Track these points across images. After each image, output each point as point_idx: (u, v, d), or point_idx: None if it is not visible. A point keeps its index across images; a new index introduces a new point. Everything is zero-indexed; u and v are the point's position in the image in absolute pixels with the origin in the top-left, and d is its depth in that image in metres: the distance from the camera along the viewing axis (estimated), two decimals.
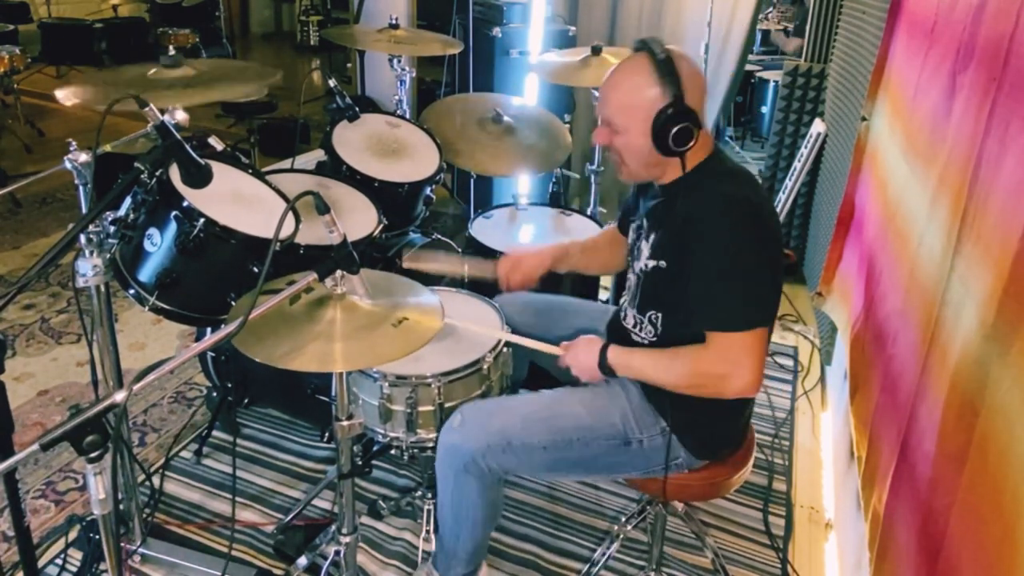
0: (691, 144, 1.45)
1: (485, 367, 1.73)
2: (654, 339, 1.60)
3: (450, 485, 1.61)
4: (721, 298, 1.43)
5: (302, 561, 1.92)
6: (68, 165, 1.48)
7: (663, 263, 1.54)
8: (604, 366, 1.57)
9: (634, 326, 1.65)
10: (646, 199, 1.67)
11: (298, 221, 1.65)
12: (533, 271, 1.88)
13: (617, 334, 1.71)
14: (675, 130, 1.43)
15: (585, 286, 2.35)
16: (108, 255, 1.53)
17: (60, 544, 2.02)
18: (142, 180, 1.39)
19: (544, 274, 1.89)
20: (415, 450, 1.76)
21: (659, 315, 1.58)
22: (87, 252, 1.49)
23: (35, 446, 0.99)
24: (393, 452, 1.81)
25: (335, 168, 2.30)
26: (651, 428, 1.58)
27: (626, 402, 1.61)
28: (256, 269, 1.65)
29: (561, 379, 2.04)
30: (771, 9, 6.20)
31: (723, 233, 1.43)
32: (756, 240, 1.45)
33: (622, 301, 1.74)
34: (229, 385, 2.28)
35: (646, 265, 1.59)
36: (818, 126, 3.39)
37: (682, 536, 2.14)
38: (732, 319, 1.41)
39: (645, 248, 1.60)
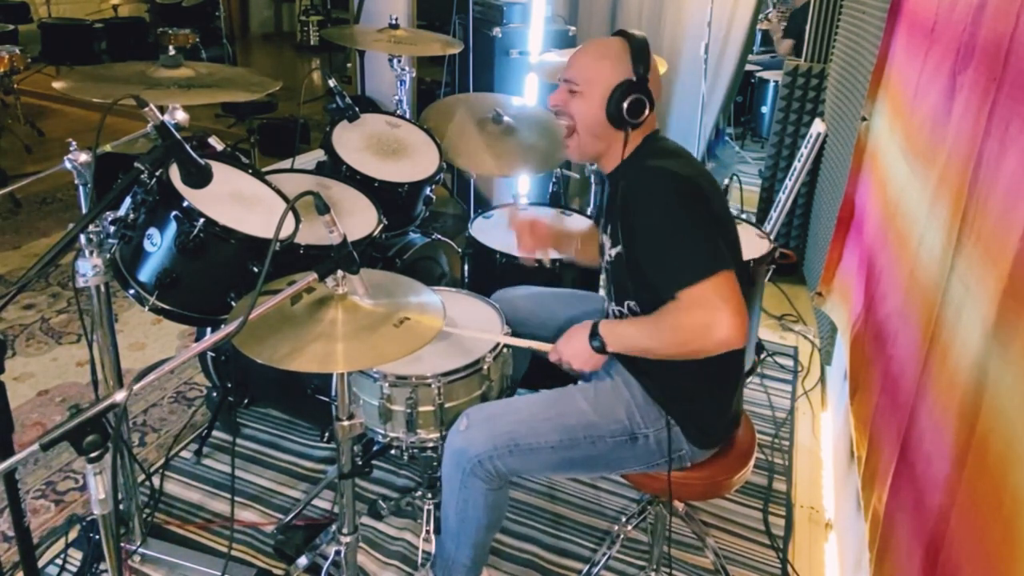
0: (640, 119, 1.53)
1: (485, 367, 1.73)
2: None
3: (456, 489, 1.60)
4: (674, 258, 1.44)
5: (302, 561, 1.92)
6: (68, 165, 1.48)
7: (621, 248, 1.58)
8: (596, 345, 1.54)
9: (617, 319, 1.67)
10: (602, 194, 1.72)
11: (298, 221, 1.65)
12: (545, 240, 1.95)
13: None
14: (632, 99, 1.51)
15: (585, 284, 2.35)
16: (108, 255, 1.53)
17: (60, 544, 2.02)
18: (142, 180, 1.38)
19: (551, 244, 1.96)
20: (415, 450, 1.76)
21: (635, 302, 1.60)
22: (87, 252, 1.49)
23: (35, 446, 0.99)
24: (393, 452, 1.81)
25: (335, 168, 2.30)
26: (656, 422, 1.59)
27: (629, 397, 1.61)
28: (256, 269, 1.65)
29: (564, 373, 2.05)
30: (771, 9, 6.20)
31: (653, 201, 1.47)
32: (684, 197, 1.47)
33: (603, 298, 1.76)
34: (229, 385, 2.28)
35: (610, 255, 1.63)
36: (818, 126, 3.39)
37: (682, 536, 2.14)
38: (692, 271, 1.39)
39: (606, 240, 1.65)
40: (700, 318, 1.39)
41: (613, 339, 1.54)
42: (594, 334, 1.55)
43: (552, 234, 1.96)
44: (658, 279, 1.47)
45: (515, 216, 1.96)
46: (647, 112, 1.53)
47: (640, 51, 1.53)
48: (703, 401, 1.61)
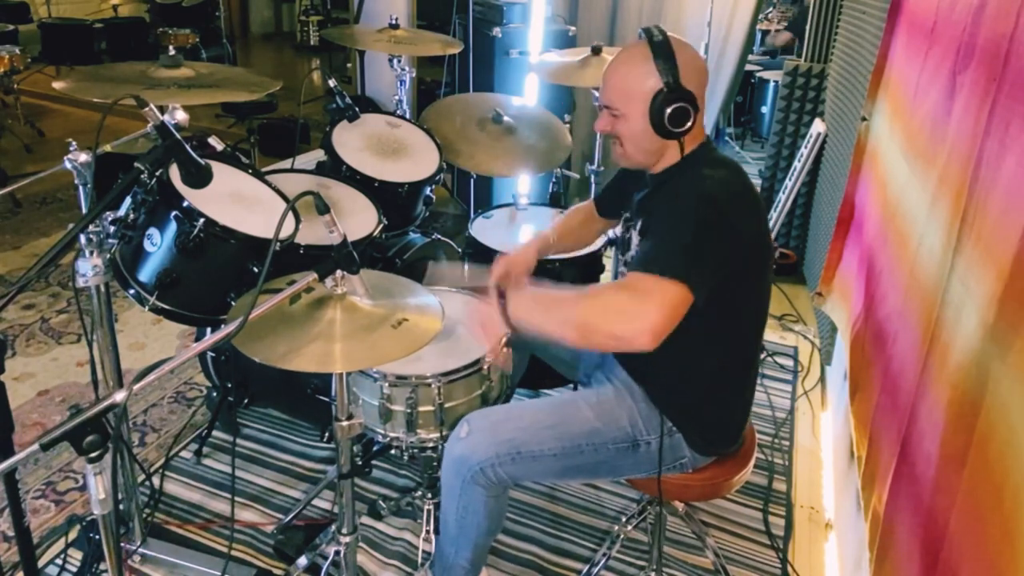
0: (689, 125, 1.46)
1: (485, 367, 1.73)
2: None
3: (456, 495, 1.59)
4: (651, 248, 1.43)
5: (302, 561, 1.92)
6: (68, 165, 1.48)
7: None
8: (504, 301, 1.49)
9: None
10: (637, 192, 1.68)
11: (298, 221, 1.66)
12: (522, 276, 1.83)
13: None
14: (671, 110, 1.44)
15: (585, 281, 2.35)
16: (108, 255, 1.53)
17: (60, 544, 2.02)
18: (142, 180, 1.38)
19: (532, 269, 1.86)
20: (415, 450, 1.76)
21: None
22: (87, 252, 1.49)
23: (35, 446, 0.99)
24: (393, 452, 1.81)
25: (335, 168, 2.30)
26: (658, 429, 1.58)
27: (632, 403, 1.61)
28: (256, 269, 1.65)
29: (563, 375, 2.04)
30: (771, 9, 6.20)
31: (684, 204, 1.44)
32: (708, 212, 1.41)
33: None
34: (229, 385, 2.28)
35: (636, 250, 1.60)
36: (818, 126, 3.39)
37: (682, 536, 2.14)
38: (652, 262, 1.36)
39: (635, 236, 1.62)
40: (625, 301, 1.34)
41: (518, 303, 1.47)
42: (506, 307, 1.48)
43: (527, 263, 1.83)
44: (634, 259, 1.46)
45: (494, 270, 1.77)
46: (693, 116, 1.46)
47: (661, 50, 1.45)
48: (709, 410, 1.60)
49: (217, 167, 1.49)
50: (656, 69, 1.45)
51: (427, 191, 2.45)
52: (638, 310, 1.31)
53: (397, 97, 2.80)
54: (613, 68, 1.54)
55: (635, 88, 1.48)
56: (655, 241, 1.44)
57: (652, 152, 1.55)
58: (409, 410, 1.68)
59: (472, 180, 3.78)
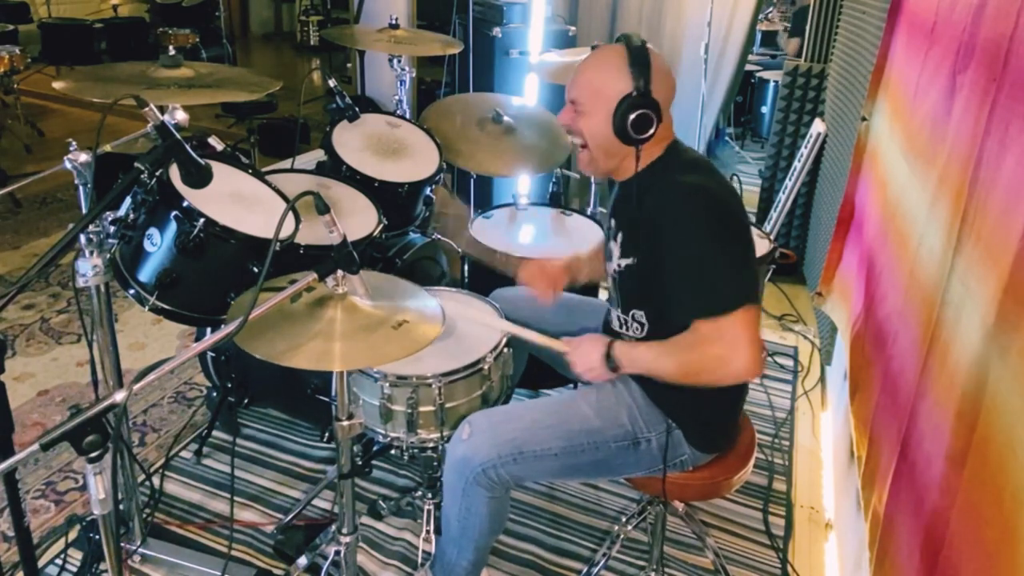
0: (648, 134, 1.47)
1: (486, 367, 1.73)
2: (643, 336, 1.61)
3: (458, 497, 1.59)
4: (701, 286, 1.43)
5: (302, 561, 1.92)
6: (68, 165, 1.48)
7: (634, 260, 1.56)
8: (610, 362, 1.55)
9: (621, 326, 1.66)
10: (609, 199, 1.69)
11: (298, 221, 1.65)
12: (558, 279, 1.88)
13: (608, 335, 1.71)
14: (635, 116, 1.45)
15: (585, 287, 2.34)
16: (108, 255, 1.53)
17: (60, 544, 2.02)
18: (142, 180, 1.38)
19: (565, 284, 1.89)
20: (415, 450, 1.76)
21: (642, 312, 1.59)
22: (87, 252, 1.49)
23: (35, 446, 0.99)
24: (393, 452, 1.81)
25: (335, 168, 2.30)
26: (658, 426, 1.59)
27: (631, 401, 1.61)
28: (256, 269, 1.65)
29: (562, 374, 2.04)
30: (771, 9, 6.20)
31: (687, 223, 1.44)
32: (719, 223, 1.45)
33: (606, 304, 1.74)
34: (229, 385, 2.28)
35: (619, 265, 1.60)
36: (818, 126, 3.39)
37: (682, 536, 2.14)
38: (717, 303, 1.39)
39: (615, 248, 1.62)
40: (717, 351, 1.40)
41: (628, 362, 1.54)
42: (609, 354, 1.55)
43: (562, 270, 1.89)
44: (679, 302, 1.46)
45: (525, 267, 1.87)
46: (654, 126, 1.47)
47: (638, 58, 1.46)
48: (707, 406, 1.60)
49: (217, 167, 1.49)
50: (630, 74, 1.46)
51: (427, 191, 2.45)
52: (732, 355, 1.38)
53: (397, 97, 2.80)
54: (586, 64, 1.54)
55: (605, 87, 1.48)
56: (697, 280, 1.44)
57: (614, 156, 1.55)
58: (410, 410, 1.68)
59: (472, 180, 3.77)
